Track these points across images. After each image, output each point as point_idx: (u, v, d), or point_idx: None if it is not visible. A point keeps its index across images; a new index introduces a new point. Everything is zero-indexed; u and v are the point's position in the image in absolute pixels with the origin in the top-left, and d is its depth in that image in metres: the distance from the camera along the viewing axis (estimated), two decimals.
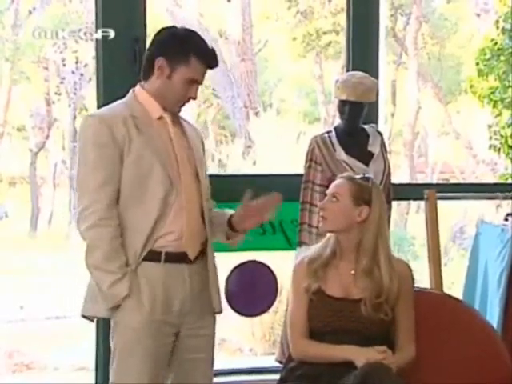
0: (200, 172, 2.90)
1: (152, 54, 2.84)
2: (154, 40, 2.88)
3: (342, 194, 2.95)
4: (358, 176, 3.03)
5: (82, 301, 2.88)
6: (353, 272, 2.96)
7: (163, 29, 2.91)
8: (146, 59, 2.87)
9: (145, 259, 2.78)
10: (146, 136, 2.78)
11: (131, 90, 2.90)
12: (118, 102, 2.91)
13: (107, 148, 2.74)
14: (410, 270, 3.04)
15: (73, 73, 9.43)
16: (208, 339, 2.93)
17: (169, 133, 2.85)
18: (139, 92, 2.87)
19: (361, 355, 2.82)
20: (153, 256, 2.78)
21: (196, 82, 2.83)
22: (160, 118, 2.85)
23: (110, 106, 2.91)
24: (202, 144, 3.05)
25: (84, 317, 2.87)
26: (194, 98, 2.87)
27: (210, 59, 2.84)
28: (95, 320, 2.89)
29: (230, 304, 4.03)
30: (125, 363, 2.79)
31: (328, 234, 3.02)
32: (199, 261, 2.87)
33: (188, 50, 2.79)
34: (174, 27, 2.94)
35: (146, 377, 2.78)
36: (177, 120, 2.91)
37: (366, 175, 3.07)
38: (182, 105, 2.87)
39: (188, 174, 2.85)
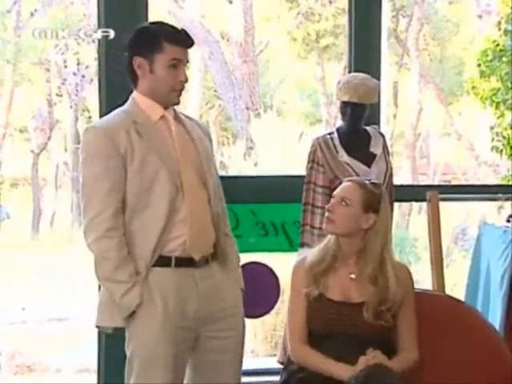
0: (207, 170, 2.86)
1: (129, 58, 2.82)
2: (126, 45, 2.84)
3: (353, 200, 2.90)
4: (367, 181, 2.99)
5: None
6: (353, 276, 2.94)
7: (133, 32, 2.87)
8: (127, 67, 2.83)
9: (155, 265, 2.75)
10: (148, 141, 2.75)
11: (130, 98, 2.87)
12: (119, 109, 2.88)
13: (111, 159, 2.72)
14: (410, 274, 3.02)
15: (74, 74, 9.43)
16: (232, 340, 2.88)
17: (171, 132, 2.82)
18: (137, 96, 2.84)
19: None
20: (163, 261, 2.76)
21: (179, 63, 2.79)
22: (162, 117, 2.82)
23: (111, 115, 2.87)
24: (210, 139, 3.02)
25: (98, 327, 2.82)
26: (186, 81, 2.81)
27: (182, 39, 2.80)
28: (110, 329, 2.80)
29: None
30: (146, 372, 2.74)
31: (328, 237, 2.99)
32: (212, 263, 2.83)
33: (157, 37, 2.76)
34: (139, 26, 2.90)
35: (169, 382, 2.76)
36: (179, 118, 2.88)
37: (374, 181, 3.04)
38: (179, 94, 2.83)
39: (192, 175, 2.81)
